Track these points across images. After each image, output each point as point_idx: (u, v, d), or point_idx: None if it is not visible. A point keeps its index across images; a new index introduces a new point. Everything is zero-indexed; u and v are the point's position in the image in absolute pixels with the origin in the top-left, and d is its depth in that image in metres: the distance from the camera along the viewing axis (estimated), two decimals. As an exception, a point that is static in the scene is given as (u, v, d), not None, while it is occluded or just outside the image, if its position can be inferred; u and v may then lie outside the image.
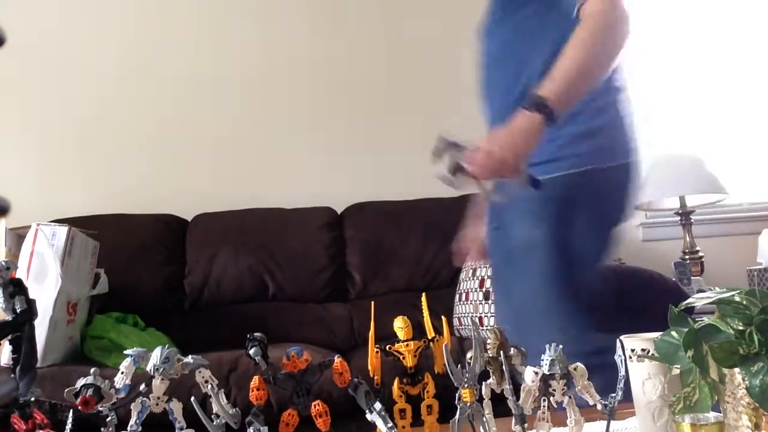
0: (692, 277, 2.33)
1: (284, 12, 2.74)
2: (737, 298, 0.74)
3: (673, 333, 0.80)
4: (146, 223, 2.36)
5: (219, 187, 2.58)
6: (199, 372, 0.88)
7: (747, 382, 0.70)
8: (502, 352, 0.91)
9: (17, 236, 2.10)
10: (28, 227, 1.91)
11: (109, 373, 0.85)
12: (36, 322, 0.81)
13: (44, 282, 1.70)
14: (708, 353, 0.74)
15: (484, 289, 1.80)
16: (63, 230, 1.78)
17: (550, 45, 1.26)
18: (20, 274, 1.72)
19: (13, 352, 0.80)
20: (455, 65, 2.79)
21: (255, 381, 0.86)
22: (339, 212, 2.49)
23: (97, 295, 1.91)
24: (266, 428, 0.84)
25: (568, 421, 0.89)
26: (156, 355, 0.87)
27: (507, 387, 0.89)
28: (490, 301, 1.77)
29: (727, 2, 2.93)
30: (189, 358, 0.88)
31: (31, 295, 0.81)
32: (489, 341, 0.92)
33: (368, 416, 0.86)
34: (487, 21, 1.43)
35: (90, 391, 0.81)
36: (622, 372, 0.86)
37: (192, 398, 0.83)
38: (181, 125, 2.65)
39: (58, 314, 1.70)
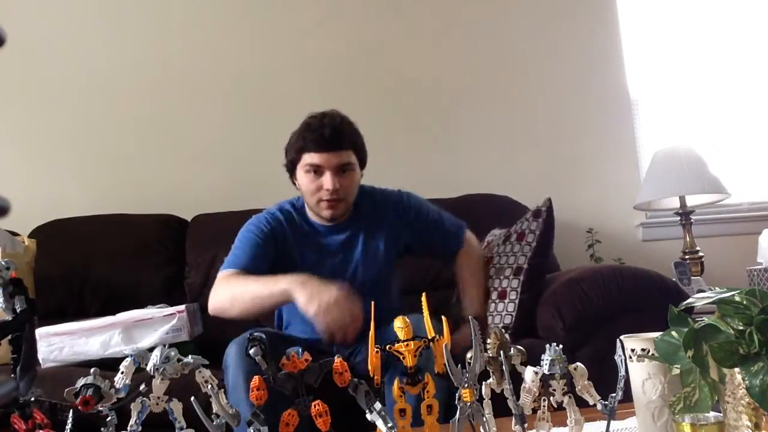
0: (692, 277, 2.33)
1: (283, 11, 2.74)
2: (737, 298, 0.74)
3: (673, 333, 0.80)
4: (146, 223, 2.36)
5: (219, 187, 2.58)
6: (199, 372, 0.88)
7: (747, 382, 0.70)
8: (502, 352, 0.91)
9: (11, 236, 2.11)
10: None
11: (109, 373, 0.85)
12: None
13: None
14: (708, 353, 0.74)
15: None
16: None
17: None
18: None
19: (13, 352, 0.80)
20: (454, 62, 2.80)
21: (255, 381, 0.86)
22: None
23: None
24: (266, 428, 0.84)
25: (568, 421, 0.89)
26: (156, 355, 0.87)
27: (507, 387, 0.89)
28: (489, 301, 1.77)
29: (730, 3, 2.93)
30: (189, 358, 0.88)
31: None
32: (489, 341, 0.93)
33: (368, 416, 0.86)
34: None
35: (90, 391, 0.81)
36: (622, 372, 0.86)
37: (192, 398, 0.84)
38: (181, 125, 2.65)
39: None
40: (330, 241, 1.71)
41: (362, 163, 1.71)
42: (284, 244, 1.69)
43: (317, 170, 1.62)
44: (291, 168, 1.69)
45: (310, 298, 1.44)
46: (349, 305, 1.44)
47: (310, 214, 1.72)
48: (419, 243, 1.78)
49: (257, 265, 1.63)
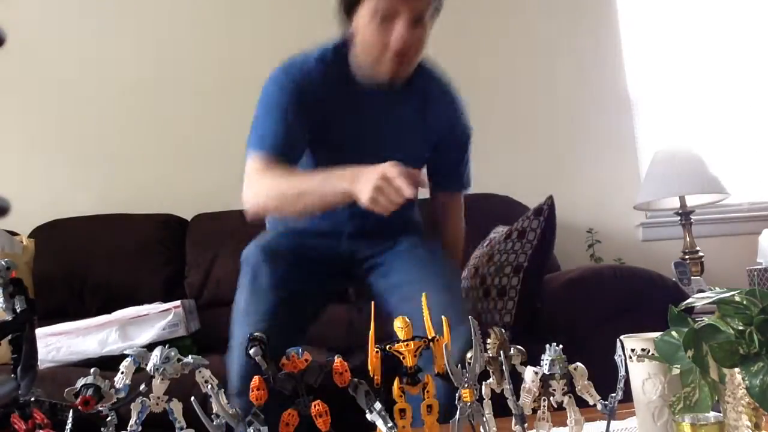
0: (692, 277, 2.33)
1: (284, 11, 2.74)
2: (737, 298, 0.74)
3: (673, 333, 0.80)
4: (146, 223, 2.36)
5: (219, 187, 2.58)
6: (199, 372, 0.88)
7: (747, 382, 0.70)
8: (502, 352, 0.91)
9: (10, 236, 2.11)
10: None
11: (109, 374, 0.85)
12: None
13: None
14: (708, 353, 0.74)
15: (484, 287, 1.80)
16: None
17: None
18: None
19: (13, 352, 0.80)
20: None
21: (255, 381, 0.86)
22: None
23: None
24: (266, 428, 0.84)
25: (568, 421, 0.89)
26: (156, 355, 0.87)
27: (507, 387, 0.89)
28: (489, 298, 1.77)
29: (730, 3, 2.93)
30: (189, 358, 0.88)
31: None
32: (489, 341, 0.92)
33: (368, 416, 0.86)
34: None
35: (90, 391, 0.81)
36: (622, 372, 0.86)
37: (192, 398, 0.83)
38: (181, 125, 2.65)
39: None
40: (373, 111, 1.39)
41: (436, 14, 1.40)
42: (319, 107, 1.36)
43: (387, 17, 1.28)
44: (349, 6, 1.35)
45: (375, 193, 1.16)
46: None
47: (356, 68, 1.39)
48: (434, 151, 1.57)
49: (294, 143, 1.34)
